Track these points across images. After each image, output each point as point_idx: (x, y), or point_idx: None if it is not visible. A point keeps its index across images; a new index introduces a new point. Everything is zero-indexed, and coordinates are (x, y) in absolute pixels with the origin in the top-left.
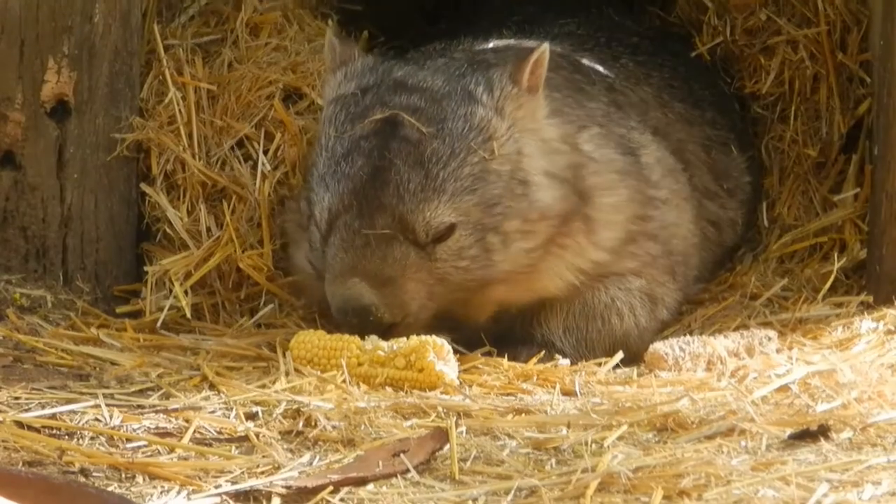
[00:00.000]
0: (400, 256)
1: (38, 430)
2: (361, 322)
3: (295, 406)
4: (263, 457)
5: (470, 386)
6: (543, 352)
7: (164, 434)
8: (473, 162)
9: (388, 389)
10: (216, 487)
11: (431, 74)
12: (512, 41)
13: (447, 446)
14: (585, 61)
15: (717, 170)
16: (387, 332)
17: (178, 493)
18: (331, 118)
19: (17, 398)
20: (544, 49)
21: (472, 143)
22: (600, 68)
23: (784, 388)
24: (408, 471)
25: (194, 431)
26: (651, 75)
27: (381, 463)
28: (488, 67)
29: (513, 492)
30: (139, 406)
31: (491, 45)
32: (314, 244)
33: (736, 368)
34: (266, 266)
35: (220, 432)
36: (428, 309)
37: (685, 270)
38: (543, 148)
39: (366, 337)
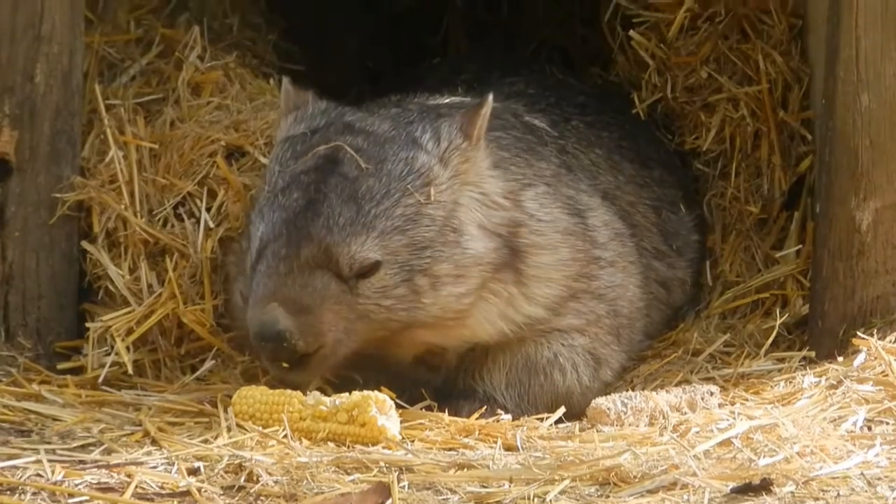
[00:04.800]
0: (320, 286)
1: None
2: (276, 348)
3: (237, 461)
4: None
5: (412, 441)
6: (485, 407)
7: (106, 489)
8: (408, 203)
9: (331, 444)
10: None
11: (380, 120)
12: (466, 98)
13: (389, 501)
14: (538, 122)
15: (666, 230)
16: (301, 362)
17: None
18: (278, 156)
19: None
20: (490, 101)
21: (408, 186)
22: (553, 131)
23: (726, 443)
24: None
25: (136, 487)
26: (601, 136)
27: None
28: (437, 117)
29: None
30: (81, 461)
31: (446, 100)
32: (246, 274)
33: (678, 423)
34: (208, 322)
35: (161, 487)
36: (345, 345)
37: (630, 333)
38: (482, 201)
39: (308, 392)
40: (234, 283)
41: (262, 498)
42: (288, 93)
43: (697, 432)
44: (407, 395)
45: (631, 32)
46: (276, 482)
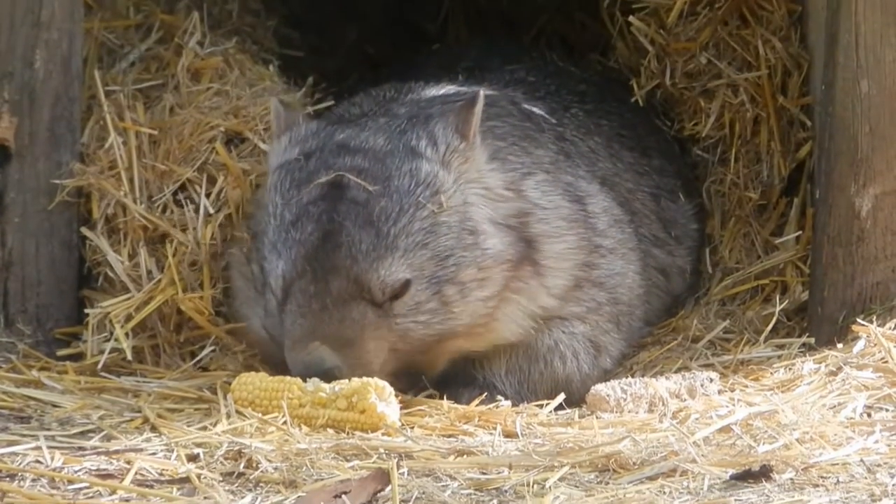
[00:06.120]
0: (358, 317)
1: None
2: None
3: (236, 448)
4: (205, 498)
5: (411, 427)
6: (485, 393)
7: (106, 476)
8: (423, 216)
9: (330, 431)
10: None
11: (373, 134)
12: (463, 88)
13: (389, 488)
14: (537, 110)
15: (665, 218)
16: None
17: None
18: (276, 185)
19: None
20: (482, 97)
21: (419, 198)
22: (551, 118)
23: (726, 429)
24: None
25: (136, 473)
26: (600, 124)
27: None
28: (429, 121)
29: None
30: (80, 448)
31: (441, 92)
32: (270, 311)
33: (678, 409)
34: (207, 310)
35: (161, 474)
36: (390, 364)
37: (630, 321)
38: (487, 196)
39: (307, 378)
40: (247, 308)
41: (261, 484)
42: (279, 114)
43: (697, 419)
44: (407, 381)
45: (630, 18)
46: (275, 469)
